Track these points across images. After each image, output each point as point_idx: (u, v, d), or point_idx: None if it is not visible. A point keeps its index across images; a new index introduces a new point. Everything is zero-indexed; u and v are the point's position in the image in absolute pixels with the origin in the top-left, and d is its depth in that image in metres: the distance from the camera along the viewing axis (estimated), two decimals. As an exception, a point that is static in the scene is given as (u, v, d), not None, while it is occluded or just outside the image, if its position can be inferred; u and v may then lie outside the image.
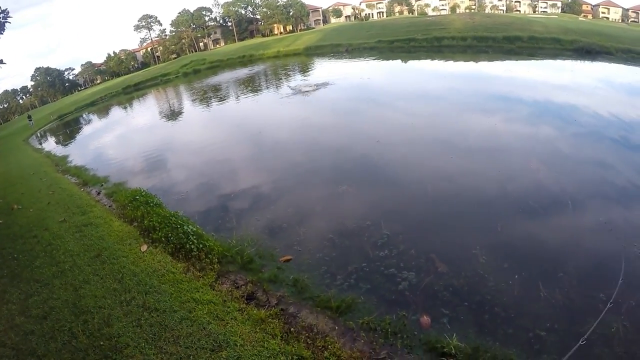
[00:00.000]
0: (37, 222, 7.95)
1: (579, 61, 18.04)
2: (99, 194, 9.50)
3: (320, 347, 4.10)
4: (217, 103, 19.24)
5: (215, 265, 5.55)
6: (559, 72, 17.27)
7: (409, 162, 8.37)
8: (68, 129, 22.04)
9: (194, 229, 6.36)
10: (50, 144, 20.64)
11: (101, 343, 4.28)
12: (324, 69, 26.98)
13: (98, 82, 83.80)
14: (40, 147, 20.31)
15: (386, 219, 6.30)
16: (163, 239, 6.31)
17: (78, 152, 14.57)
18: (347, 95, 15.46)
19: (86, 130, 20.19)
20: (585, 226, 5.76)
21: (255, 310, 4.69)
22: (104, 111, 25.72)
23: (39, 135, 26.31)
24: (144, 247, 6.19)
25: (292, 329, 4.41)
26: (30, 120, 35.85)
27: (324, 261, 5.61)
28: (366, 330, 4.35)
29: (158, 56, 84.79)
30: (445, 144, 9.08)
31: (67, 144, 17.88)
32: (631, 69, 16.41)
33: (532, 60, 20.99)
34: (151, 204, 7.63)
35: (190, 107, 19.97)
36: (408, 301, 4.77)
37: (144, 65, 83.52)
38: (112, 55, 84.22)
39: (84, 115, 26.34)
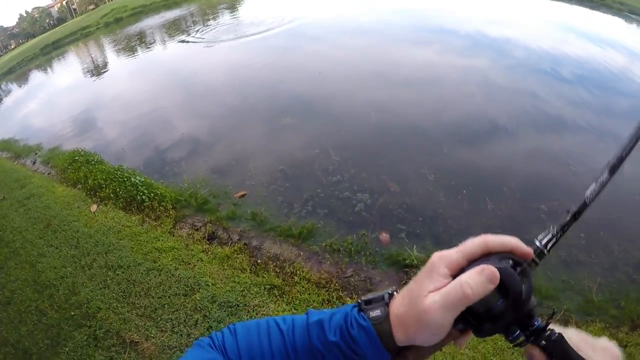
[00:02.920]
0: (-26, 206, 7.29)
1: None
2: (34, 163, 8.74)
3: (289, 274, 4.07)
4: (142, 52, 17.72)
5: (170, 212, 5.28)
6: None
7: (351, 94, 7.98)
8: None
9: (142, 180, 5.99)
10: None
11: (72, 313, 4.07)
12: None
13: (12, 47, 75.50)
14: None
15: (334, 147, 6.13)
16: (112, 195, 5.92)
17: (3, 126, 13.24)
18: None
19: (7, 101, 18.18)
20: (524, 148, 5.81)
21: (219, 249, 4.55)
22: (23, 77, 23.21)
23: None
24: (94, 207, 5.81)
25: (258, 261, 4.32)
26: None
27: (279, 192, 5.44)
28: (330, 252, 4.33)
29: (75, 9, 76.28)
30: (385, 76, 8.68)
31: None
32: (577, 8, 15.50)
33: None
34: (92, 162, 7.10)
35: (114, 60, 18.32)
36: (366, 221, 4.75)
37: (61, 21, 74.59)
38: (25, 15, 75.78)
39: (2, 86, 23.78)
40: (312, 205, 5.08)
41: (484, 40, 10.57)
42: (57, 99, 14.37)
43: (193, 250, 4.55)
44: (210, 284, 4.01)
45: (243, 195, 5.43)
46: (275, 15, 15.87)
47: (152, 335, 3.65)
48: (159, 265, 4.38)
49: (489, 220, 4.56)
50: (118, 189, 5.92)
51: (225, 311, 3.71)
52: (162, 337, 3.61)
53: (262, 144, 6.85)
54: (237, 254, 4.43)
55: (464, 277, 0.59)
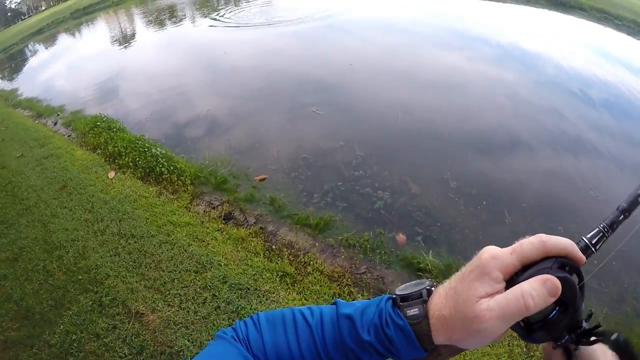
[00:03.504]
0: (-8, 161, 7.24)
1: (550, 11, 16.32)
2: (55, 124, 8.69)
3: (302, 263, 3.94)
4: (171, 27, 17.60)
5: (188, 187, 5.18)
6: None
7: (380, 91, 7.76)
8: (14, 62, 19.90)
9: (163, 152, 5.89)
10: (-5, 79, 18.80)
11: (79, 277, 3.98)
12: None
13: (43, 8, 75.43)
14: (-16, 83, 18.47)
15: (359, 141, 5.95)
16: (130, 163, 5.84)
17: (28, 85, 13.16)
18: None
19: (34, 61, 18.20)
20: (547, 167, 5.60)
21: (235, 230, 4.43)
22: (51, 40, 23.16)
23: (-19, 71, 23.92)
24: (112, 174, 5.73)
25: (273, 247, 4.19)
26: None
27: (300, 180, 5.29)
28: (345, 246, 4.20)
29: (110, -26, 76.63)
30: (416, 77, 8.48)
31: (14, 77, 16.13)
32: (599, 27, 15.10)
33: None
34: (114, 129, 7.01)
35: (143, 32, 18.24)
36: (384, 220, 4.60)
37: (95, -15, 75.58)
38: None
39: (30, 46, 23.76)
40: (332, 197, 4.93)
41: (516, 52, 10.32)
42: (82, 64, 14.26)
43: (208, 228, 4.44)
44: (222, 264, 3.90)
45: (263, 179, 5.29)
46: (311, 4, 15.55)
47: (158, 308, 3.55)
48: (172, 239, 4.28)
49: (506, 234, 4.37)
50: (138, 159, 5.84)
51: (235, 293, 3.60)
52: (169, 311, 3.50)
53: (287, 129, 6.70)
54: (252, 237, 4.32)
55: (526, 287, 0.55)
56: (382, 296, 0.70)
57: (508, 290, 0.56)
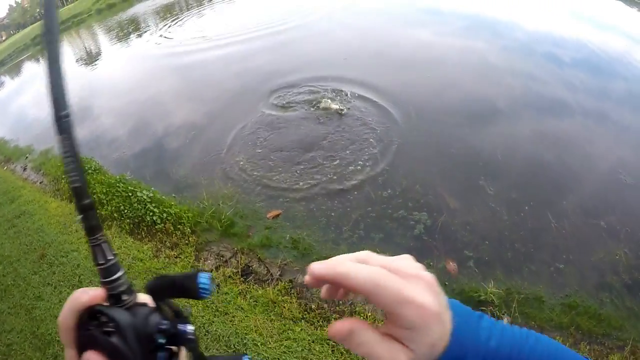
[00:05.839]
0: (-42, 223, 6.13)
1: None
2: (25, 169, 7.57)
3: (351, 320, 3.07)
4: (135, 38, 16.16)
5: (190, 238, 4.22)
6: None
7: (385, 86, 6.64)
8: None
9: (150, 195, 4.87)
10: (-43, 120, 17.13)
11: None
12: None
13: (3, 38, 71.90)
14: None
15: (380, 152, 5.09)
16: (115, 214, 4.83)
17: None
18: None
19: None
20: (578, 157, 4.95)
21: (259, 290, 3.54)
22: (15, 69, 21.44)
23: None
24: (96, 232, 4.75)
25: (312, 306, 3.33)
26: None
27: (321, 211, 4.36)
28: None
29: (66, -4, 72.92)
30: (429, 70, 7.37)
31: None
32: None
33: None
34: (89, 171, 5.95)
35: (108, 48, 16.80)
36: (428, 247, 3.85)
37: (52, 9, 71.64)
38: (15, 5, 72.11)
39: None
40: (365, 228, 4.09)
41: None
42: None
43: (228, 294, 3.52)
44: (259, 344, 3.01)
45: (277, 216, 4.36)
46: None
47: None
48: (185, 317, 3.37)
49: (554, 240, 3.84)
50: (122, 206, 4.85)
51: (285, 384, 2.74)
52: None
53: (293, 147, 5.58)
54: (283, 296, 3.44)
55: None
56: None
57: None
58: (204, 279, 0.48)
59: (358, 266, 0.47)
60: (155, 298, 0.51)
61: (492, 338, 0.50)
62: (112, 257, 0.50)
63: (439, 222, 4.04)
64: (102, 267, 0.49)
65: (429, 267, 3.46)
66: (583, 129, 5.50)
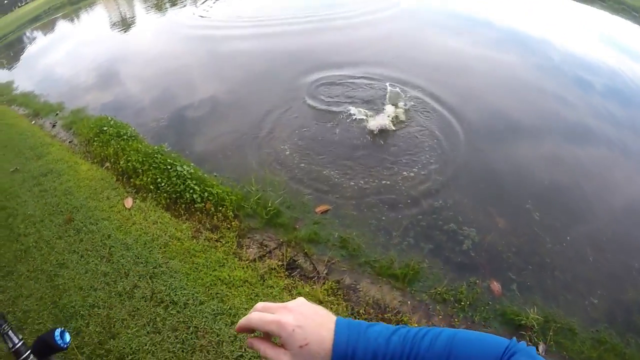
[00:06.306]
0: (-19, 176, 5.86)
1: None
2: (54, 126, 7.29)
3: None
4: (173, 9, 15.80)
5: (232, 222, 3.93)
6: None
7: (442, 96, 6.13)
8: (11, 50, 18.03)
9: (190, 171, 4.58)
10: (-10, 71, 16.90)
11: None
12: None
13: None
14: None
15: (437, 161, 4.80)
16: (151, 186, 4.55)
17: (25, 76, 11.47)
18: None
19: (32, 49, 16.32)
20: (624, 197, 4.70)
21: (306, 286, 3.25)
22: (49, 26, 21.11)
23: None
24: (129, 202, 4.45)
25: (360, 310, 3.06)
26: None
27: (372, 213, 4.06)
28: (440, 302, 3.25)
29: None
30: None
31: (11, 68, 14.34)
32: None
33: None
34: (125, 137, 5.66)
35: (143, 14, 16.45)
36: (475, 264, 3.64)
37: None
38: None
39: (27, 33, 21.77)
40: (414, 237, 3.83)
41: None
42: (83, 52, 12.50)
43: (273, 287, 3.22)
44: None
45: (326, 211, 4.05)
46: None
47: None
48: (229, 308, 3.07)
49: (591, 273, 3.68)
50: (160, 179, 4.56)
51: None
52: None
53: (347, 144, 5.20)
54: (330, 296, 3.15)
55: None
56: None
57: None
58: (56, 335, 0.73)
59: (254, 315, 0.71)
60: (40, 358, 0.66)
61: (380, 337, 0.67)
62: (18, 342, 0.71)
63: (486, 240, 3.83)
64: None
65: (474, 285, 3.40)
66: (635, 168, 5.22)
